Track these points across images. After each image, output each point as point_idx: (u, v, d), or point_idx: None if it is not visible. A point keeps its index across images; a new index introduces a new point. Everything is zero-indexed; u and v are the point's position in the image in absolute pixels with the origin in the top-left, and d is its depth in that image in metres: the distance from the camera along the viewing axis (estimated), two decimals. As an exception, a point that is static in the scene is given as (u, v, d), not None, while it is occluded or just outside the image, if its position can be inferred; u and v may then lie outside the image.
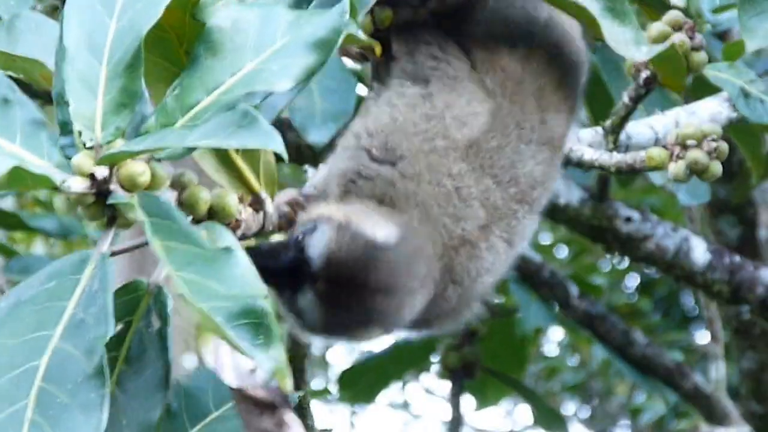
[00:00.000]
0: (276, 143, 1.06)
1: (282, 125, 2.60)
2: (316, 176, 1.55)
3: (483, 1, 1.63)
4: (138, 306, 1.19)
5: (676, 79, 1.79)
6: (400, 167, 1.48)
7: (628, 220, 3.11)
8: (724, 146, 1.81)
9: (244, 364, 1.16)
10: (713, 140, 1.80)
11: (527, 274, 3.70)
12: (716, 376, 3.72)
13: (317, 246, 1.38)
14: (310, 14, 1.23)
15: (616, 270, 5.36)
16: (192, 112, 1.16)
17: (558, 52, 1.66)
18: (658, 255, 3.10)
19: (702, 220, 3.81)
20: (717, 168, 1.81)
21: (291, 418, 1.18)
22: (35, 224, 2.59)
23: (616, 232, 3.09)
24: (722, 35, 2.69)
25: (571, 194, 3.12)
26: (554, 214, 3.12)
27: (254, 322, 1.02)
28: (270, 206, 1.33)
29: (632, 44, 1.60)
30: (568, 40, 1.68)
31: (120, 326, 1.18)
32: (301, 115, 2.54)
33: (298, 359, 2.30)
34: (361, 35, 1.27)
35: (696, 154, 1.80)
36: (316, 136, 2.53)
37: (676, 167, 1.82)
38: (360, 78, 2.65)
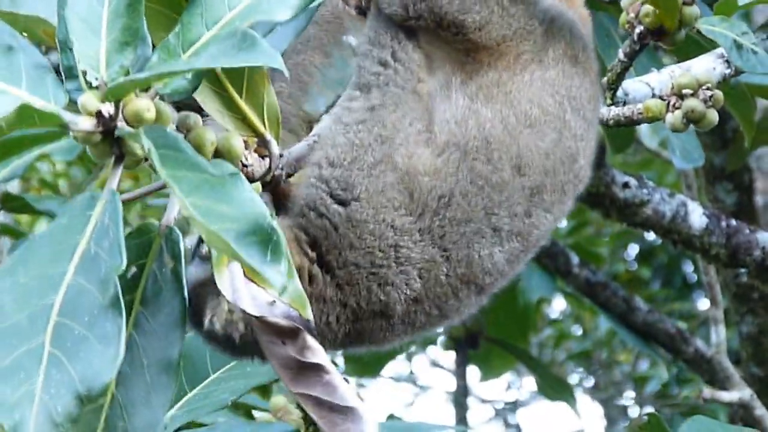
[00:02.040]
0: (276, 61, 1.08)
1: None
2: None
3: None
4: (150, 248, 1.20)
5: (669, 15, 1.80)
6: (351, 208, 1.43)
7: (626, 185, 3.12)
8: (720, 95, 1.83)
9: (263, 296, 1.16)
10: (708, 89, 1.82)
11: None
12: (716, 339, 3.73)
13: None
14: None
15: (617, 239, 5.36)
16: (194, 48, 1.17)
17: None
18: (655, 220, 3.10)
19: (699, 188, 3.82)
20: (713, 116, 1.83)
21: (314, 343, 1.18)
22: (41, 207, 2.57)
23: (613, 198, 3.10)
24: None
25: (568, 161, 3.13)
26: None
27: (263, 240, 1.03)
28: (275, 148, 1.34)
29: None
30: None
31: (134, 269, 1.19)
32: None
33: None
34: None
35: (692, 103, 1.82)
36: (310, 106, 2.53)
37: (673, 117, 1.84)
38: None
